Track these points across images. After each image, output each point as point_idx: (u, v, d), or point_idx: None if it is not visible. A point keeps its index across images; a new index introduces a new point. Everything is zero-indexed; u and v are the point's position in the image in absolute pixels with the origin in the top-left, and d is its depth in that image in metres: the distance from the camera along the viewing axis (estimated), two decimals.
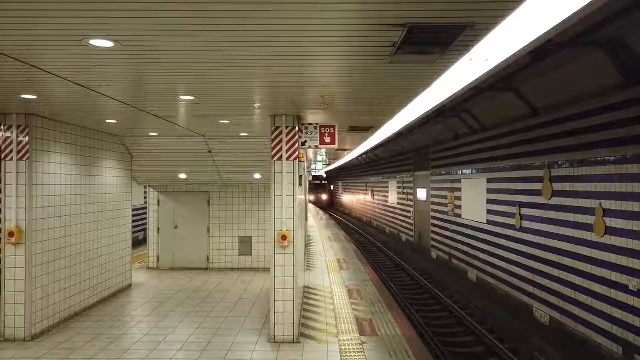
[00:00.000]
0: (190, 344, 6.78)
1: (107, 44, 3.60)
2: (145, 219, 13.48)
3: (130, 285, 10.42)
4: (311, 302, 8.95)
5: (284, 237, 6.86)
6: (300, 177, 7.34)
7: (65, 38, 3.50)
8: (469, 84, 5.33)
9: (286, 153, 6.98)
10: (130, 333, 7.29)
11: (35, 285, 7.02)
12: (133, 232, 12.34)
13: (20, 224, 6.86)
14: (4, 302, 6.88)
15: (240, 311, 8.43)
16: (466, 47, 3.70)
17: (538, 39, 4.33)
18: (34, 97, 5.69)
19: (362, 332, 7.16)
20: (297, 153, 7.03)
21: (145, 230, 14.46)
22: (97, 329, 7.43)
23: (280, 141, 6.99)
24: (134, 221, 12.29)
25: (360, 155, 24.71)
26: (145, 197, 14.68)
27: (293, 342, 6.77)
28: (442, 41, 3.56)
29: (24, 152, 6.93)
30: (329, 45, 3.67)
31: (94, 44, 3.61)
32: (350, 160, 28.26)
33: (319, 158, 19.56)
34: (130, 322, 7.86)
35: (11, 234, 6.81)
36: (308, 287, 10.10)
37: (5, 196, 6.91)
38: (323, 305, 8.73)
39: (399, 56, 3.91)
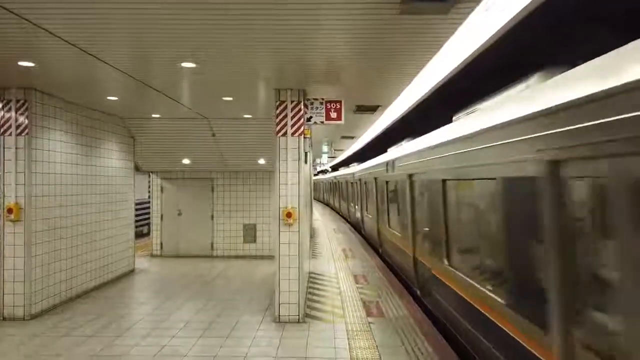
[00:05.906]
0: (193, 322, 6.61)
1: None
2: (149, 212, 13.33)
3: (132, 270, 10.27)
4: (317, 286, 8.75)
5: (289, 214, 6.67)
6: (306, 154, 7.14)
7: None
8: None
9: (291, 128, 6.79)
10: (132, 313, 7.12)
11: (34, 263, 6.86)
12: (137, 226, 12.18)
13: (19, 200, 6.71)
14: (3, 280, 6.74)
15: (244, 294, 8.24)
16: None
17: None
18: (32, 64, 5.53)
19: (369, 314, 6.96)
20: (302, 128, 6.84)
21: (149, 223, 14.30)
22: (98, 310, 7.27)
23: (285, 116, 6.80)
24: (137, 215, 12.14)
25: None
26: (149, 191, 14.52)
27: (298, 322, 6.59)
28: None
29: (22, 127, 6.78)
30: None
31: None
32: None
33: (324, 149, 19.02)
34: (132, 304, 7.70)
35: (10, 211, 6.66)
36: (314, 273, 9.91)
37: (4, 172, 6.76)
38: (329, 289, 8.53)
39: (409, 5, 3.71)
